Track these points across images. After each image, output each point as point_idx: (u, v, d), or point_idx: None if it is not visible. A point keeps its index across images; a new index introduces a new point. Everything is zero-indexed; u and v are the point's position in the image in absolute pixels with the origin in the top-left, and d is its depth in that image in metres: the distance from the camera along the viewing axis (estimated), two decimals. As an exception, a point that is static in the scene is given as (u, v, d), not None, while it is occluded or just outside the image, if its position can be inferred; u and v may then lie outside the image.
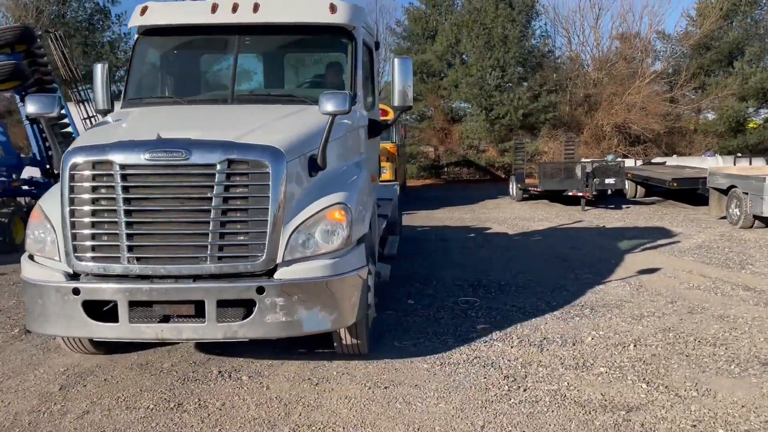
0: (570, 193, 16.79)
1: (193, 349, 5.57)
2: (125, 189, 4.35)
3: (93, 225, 4.42)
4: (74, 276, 4.55)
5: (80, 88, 13.79)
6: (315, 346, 5.38)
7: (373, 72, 6.98)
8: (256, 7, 5.78)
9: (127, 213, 4.36)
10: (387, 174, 16.03)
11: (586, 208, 16.43)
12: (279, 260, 4.45)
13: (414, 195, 22.23)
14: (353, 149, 5.88)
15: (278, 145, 4.50)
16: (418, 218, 15.63)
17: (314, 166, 4.78)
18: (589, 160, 19.18)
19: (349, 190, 4.90)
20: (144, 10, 6.00)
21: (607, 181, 16.58)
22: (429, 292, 7.65)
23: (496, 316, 6.58)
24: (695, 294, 7.43)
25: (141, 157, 4.32)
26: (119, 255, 4.41)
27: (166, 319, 4.49)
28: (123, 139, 4.50)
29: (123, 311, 4.38)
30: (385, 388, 4.71)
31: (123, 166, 4.32)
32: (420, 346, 5.64)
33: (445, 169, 31.43)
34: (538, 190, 17.79)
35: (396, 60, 5.77)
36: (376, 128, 6.46)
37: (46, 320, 4.54)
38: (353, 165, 5.66)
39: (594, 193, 16.37)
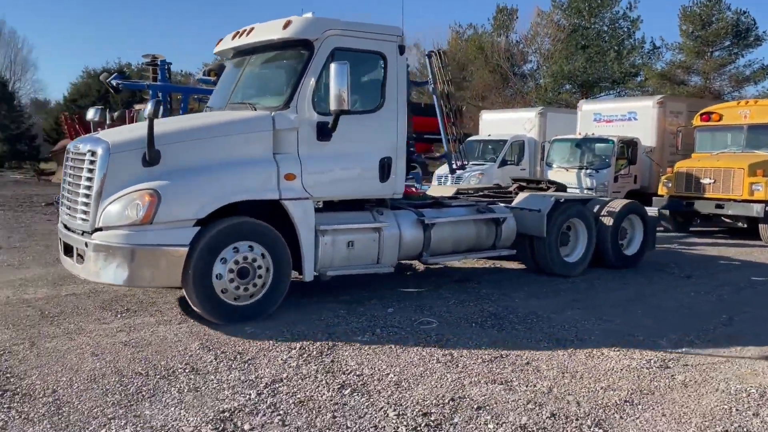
0: None
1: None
2: (71, 167, 6.60)
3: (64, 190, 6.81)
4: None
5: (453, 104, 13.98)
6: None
7: (386, 77, 7.19)
8: (250, 31, 7.32)
9: (69, 183, 6.61)
10: (761, 192, 13.01)
11: None
12: (98, 225, 5.96)
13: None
14: (257, 147, 6.49)
15: (109, 140, 6.11)
16: (723, 252, 12.21)
17: (144, 159, 5.97)
18: None
19: (178, 179, 5.98)
20: (218, 42, 7.99)
21: None
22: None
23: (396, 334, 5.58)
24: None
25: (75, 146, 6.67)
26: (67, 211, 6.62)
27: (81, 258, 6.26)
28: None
29: (60, 246, 6.77)
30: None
31: (69, 151, 6.72)
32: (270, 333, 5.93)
33: None
34: None
35: (332, 65, 6.24)
36: (324, 130, 6.71)
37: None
38: (252, 161, 6.40)
39: None
